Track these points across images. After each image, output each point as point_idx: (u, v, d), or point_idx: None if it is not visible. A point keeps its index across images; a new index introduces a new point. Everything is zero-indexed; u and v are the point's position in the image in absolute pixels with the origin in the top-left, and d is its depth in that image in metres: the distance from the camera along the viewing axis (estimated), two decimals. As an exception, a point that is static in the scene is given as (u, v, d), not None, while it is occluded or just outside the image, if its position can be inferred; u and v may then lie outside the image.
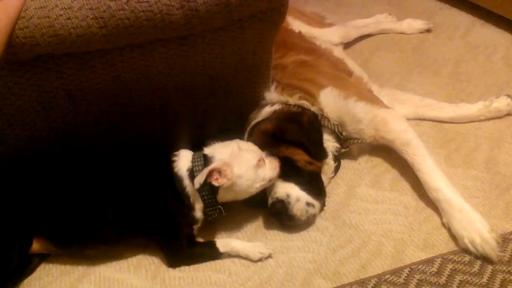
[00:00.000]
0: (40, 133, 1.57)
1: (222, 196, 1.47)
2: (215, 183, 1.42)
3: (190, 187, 1.46)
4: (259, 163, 1.48)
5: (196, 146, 1.55)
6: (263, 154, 1.52)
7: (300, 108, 1.71)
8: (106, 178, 1.53)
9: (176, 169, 1.48)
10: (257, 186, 1.49)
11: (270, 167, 1.51)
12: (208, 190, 1.45)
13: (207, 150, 1.50)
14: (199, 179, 1.39)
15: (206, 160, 1.47)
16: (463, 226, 1.48)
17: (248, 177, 1.46)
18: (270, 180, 1.52)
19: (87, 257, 1.53)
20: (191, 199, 1.47)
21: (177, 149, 1.54)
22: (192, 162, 1.48)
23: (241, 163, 1.45)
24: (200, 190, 1.44)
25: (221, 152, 1.48)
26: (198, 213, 1.49)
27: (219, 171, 1.42)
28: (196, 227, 1.52)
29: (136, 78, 1.52)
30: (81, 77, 1.46)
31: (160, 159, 1.52)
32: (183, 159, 1.49)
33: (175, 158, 1.50)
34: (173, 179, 1.47)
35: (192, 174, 1.45)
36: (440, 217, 1.57)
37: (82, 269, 1.51)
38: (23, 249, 1.45)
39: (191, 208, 1.48)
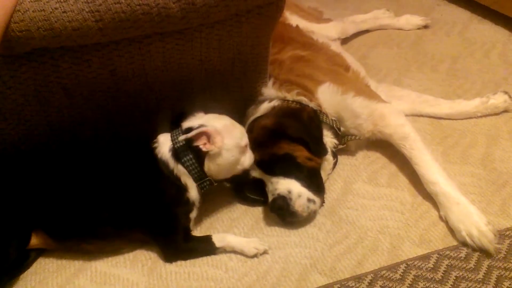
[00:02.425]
0: (36, 128, 1.56)
1: (207, 168, 1.47)
2: (203, 148, 1.41)
3: (177, 167, 1.45)
4: (245, 148, 1.49)
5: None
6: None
7: (299, 104, 1.71)
8: (103, 172, 1.52)
9: (159, 155, 1.46)
10: (236, 168, 1.50)
11: (250, 157, 1.52)
12: (194, 163, 1.44)
13: (197, 121, 1.48)
14: (186, 135, 1.39)
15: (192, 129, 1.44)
16: (461, 219, 1.49)
17: (233, 153, 1.46)
18: (245, 168, 1.53)
19: (84, 252, 1.53)
20: (181, 180, 1.46)
21: (156, 136, 1.52)
22: (172, 140, 1.46)
23: (231, 137, 1.45)
24: (186, 164, 1.43)
25: (214, 121, 1.47)
26: (193, 192, 1.48)
27: (209, 137, 1.41)
28: (192, 216, 1.51)
29: (132, 72, 1.51)
30: (77, 71, 1.45)
31: (144, 150, 1.51)
32: (163, 143, 1.48)
33: (155, 145, 1.49)
34: (159, 166, 1.46)
35: (175, 153, 1.45)
36: (437, 212, 1.58)
37: (79, 264, 1.51)
38: (22, 244, 1.45)
39: (184, 189, 1.47)
